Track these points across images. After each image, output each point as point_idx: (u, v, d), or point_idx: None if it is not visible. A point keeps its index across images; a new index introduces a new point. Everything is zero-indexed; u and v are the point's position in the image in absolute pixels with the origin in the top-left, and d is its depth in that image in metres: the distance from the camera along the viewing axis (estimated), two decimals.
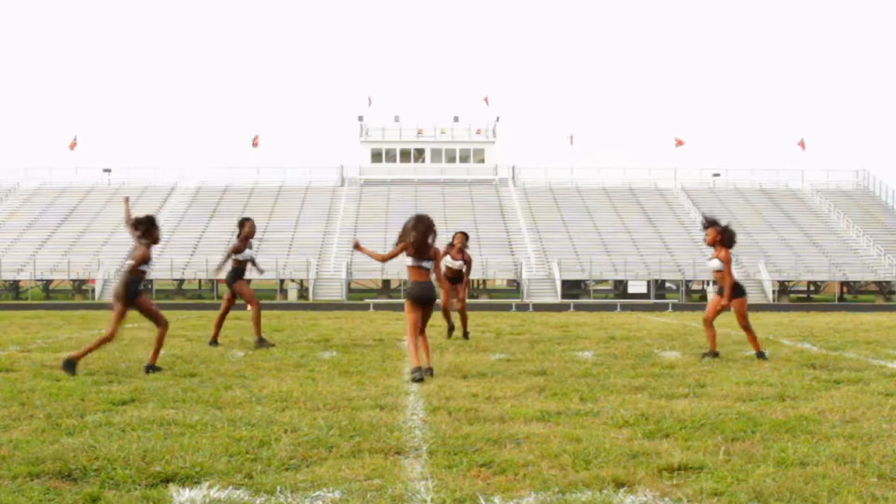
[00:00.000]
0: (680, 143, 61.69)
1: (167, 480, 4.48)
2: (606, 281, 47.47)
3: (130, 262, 8.92)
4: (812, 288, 48.91)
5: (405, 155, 63.49)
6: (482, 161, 62.89)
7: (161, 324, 9.07)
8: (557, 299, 41.06)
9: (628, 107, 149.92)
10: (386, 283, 44.70)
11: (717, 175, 59.51)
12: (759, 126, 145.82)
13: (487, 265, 45.69)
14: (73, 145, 58.92)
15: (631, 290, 44.05)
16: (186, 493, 4.22)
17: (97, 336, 10.31)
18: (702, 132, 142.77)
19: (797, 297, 47.16)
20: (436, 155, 63.37)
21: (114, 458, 4.82)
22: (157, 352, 9.05)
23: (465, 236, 13.48)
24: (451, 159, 63.16)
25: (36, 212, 52.70)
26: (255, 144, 61.11)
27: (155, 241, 9.11)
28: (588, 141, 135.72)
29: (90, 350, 9.00)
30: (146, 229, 9.01)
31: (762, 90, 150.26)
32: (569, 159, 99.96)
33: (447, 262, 13.19)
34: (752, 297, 40.89)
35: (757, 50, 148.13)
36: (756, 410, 6.53)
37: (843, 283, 46.91)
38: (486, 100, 65.70)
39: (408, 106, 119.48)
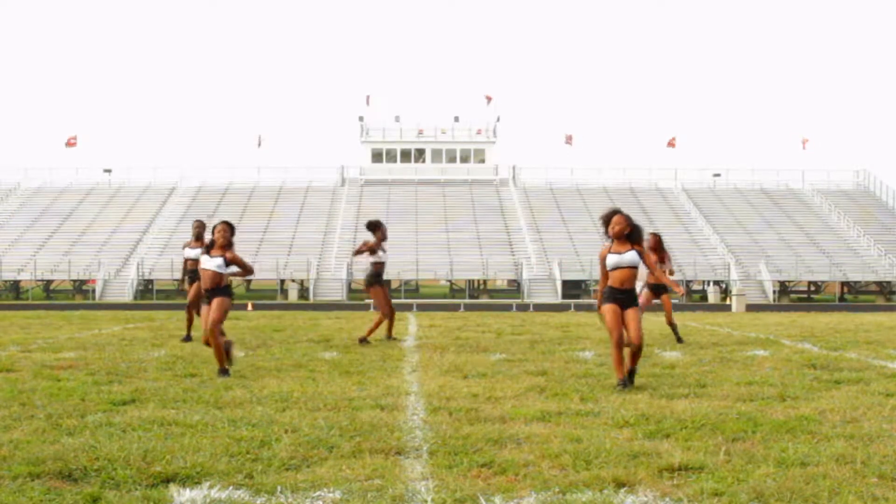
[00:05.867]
0: (672, 144, 61.77)
1: (168, 480, 4.48)
2: None
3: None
4: (812, 288, 48.86)
5: (405, 155, 63.47)
6: (482, 161, 62.89)
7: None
8: (558, 299, 41.06)
9: (629, 107, 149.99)
10: (387, 282, 44.67)
11: (717, 175, 59.52)
12: (760, 126, 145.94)
13: (488, 265, 45.70)
14: (71, 142, 58.80)
15: None
16: (187, 494, 4.22)
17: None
18: (702, 132, 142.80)
19: (798, 297, 47.11)
20: (436, 155, 63.35)
21: (114, 459, 4.82)
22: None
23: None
24: (452, 159, 63.16)
25: (36, 212, 52.70)
26: (259, 145, 61.29)
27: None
28: (588, 141, 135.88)
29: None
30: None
31: (764, 90, 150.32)
32: (569, 159, 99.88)
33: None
34: (753, 298, 40.87)
35: (758, 49, 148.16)
36: (757, 411, 6.53)
37: (843, 284, 46.87)
38: (488, 98, 65.57)
39: (408, 106, 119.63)
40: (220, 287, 8.99)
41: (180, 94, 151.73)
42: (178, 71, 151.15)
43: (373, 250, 12.70)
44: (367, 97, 64.90)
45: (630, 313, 7.93)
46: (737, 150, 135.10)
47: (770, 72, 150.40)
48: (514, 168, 59.69)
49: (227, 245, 9.07)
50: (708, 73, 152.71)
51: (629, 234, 8.00)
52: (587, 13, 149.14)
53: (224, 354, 8.73)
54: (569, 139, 63.41)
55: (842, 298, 46.25)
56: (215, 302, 8.89)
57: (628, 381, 7.81)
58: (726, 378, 8.45)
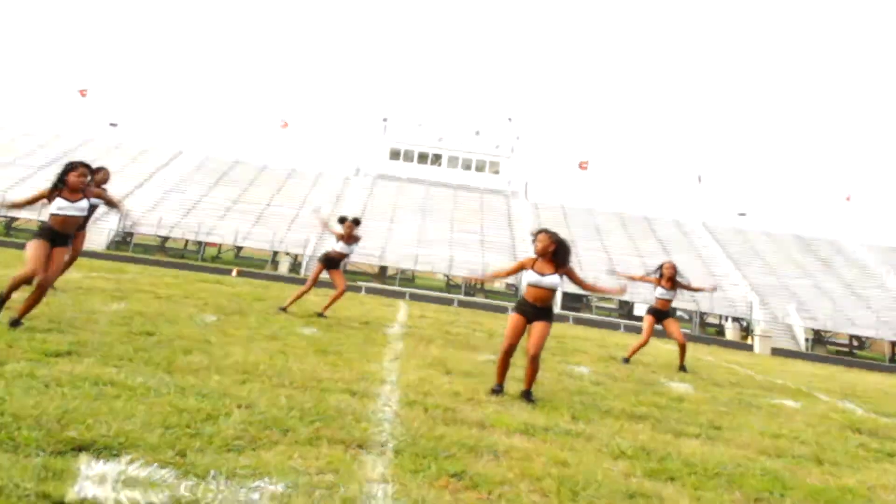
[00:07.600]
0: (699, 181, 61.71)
1: (80, 449, 3.79)
2: (611, 300, 46.79)
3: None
4: (856, 343, 45.36)
5: (423, 157, 63.74)
6: (497, 173, 63.18)
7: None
8: (557, 310, 40.37)
9: (649, 141, 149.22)
10: (383, 269, 44.08)
11: (742, 214, 58.91)
12: (803, 181, 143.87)
13: (488, 266, 45.08)
14: (83, 93, 58.24)
15: (637, 312, 43.05)
16: (98, 467, 3.55)
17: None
18: (727, 172, 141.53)
19: (836, 349, 43.85)
20: (452, 162, 63.72)
21: (23, 416, 4.10)
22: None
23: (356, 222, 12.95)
24: (467, 168, 63.44)
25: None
26: (283, 126, 60.89)
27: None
28: (605, 172, 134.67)
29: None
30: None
31: (806, 144, 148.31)
32: (584, 187, 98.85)
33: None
34: (780, 342, 38.77)
35: (796, 103, 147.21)
36: (786, 469, 5.59)
37: (894, 344, 41.60)
38: (509, 119, 66.39)
39: (431, 122, 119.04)
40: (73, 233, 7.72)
41: (198, 90, 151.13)
42: (196, 69, 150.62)
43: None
44: (384, 120, 65.00)
45: (536, 326, 7.38)
46: (766, 195, 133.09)
47: (812, 127, 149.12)
48: (526, 184, 60.00)
49: (85, 188, 7.77)
50: (733, 115, 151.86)
51: (554, 253, 7.47)
52: (609, 42, 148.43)
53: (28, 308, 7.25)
54: (583, 165, 63.12)
55: (893, 359, 42.43)
56: (58, 252, 7.48)
57: (527, 396, 7.02)
58: (746, 424, 7.37)
